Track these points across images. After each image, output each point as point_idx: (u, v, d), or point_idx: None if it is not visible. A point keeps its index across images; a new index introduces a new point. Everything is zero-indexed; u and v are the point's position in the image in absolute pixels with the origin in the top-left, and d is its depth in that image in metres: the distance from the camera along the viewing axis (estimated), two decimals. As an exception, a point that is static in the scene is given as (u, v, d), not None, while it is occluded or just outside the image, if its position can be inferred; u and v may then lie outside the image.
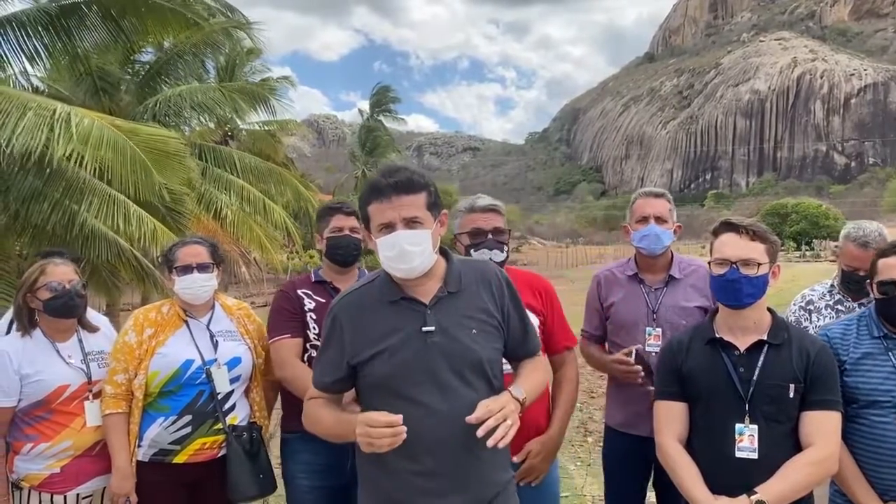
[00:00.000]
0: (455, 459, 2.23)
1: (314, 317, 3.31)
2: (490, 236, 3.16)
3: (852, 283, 3.44)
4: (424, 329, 2.27)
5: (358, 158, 68.05)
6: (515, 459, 2.93)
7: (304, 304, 3.35)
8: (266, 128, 23.28)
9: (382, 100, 70.82)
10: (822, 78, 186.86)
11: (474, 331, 2.33)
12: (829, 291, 3.61)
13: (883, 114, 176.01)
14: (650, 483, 3.48)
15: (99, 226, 9.08)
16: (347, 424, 2.23)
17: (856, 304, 3.45)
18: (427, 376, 2.24)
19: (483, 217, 3.19)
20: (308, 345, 3.31)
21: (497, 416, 2.12)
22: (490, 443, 2.09)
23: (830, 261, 44.66)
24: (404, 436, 2.10)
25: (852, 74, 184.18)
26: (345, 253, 3.39)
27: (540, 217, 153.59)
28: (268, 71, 24.81)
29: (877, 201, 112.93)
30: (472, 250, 3.16)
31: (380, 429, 2.10)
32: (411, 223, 2.24)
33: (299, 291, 3.39)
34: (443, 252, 2.41)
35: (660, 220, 3.45)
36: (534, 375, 2.50)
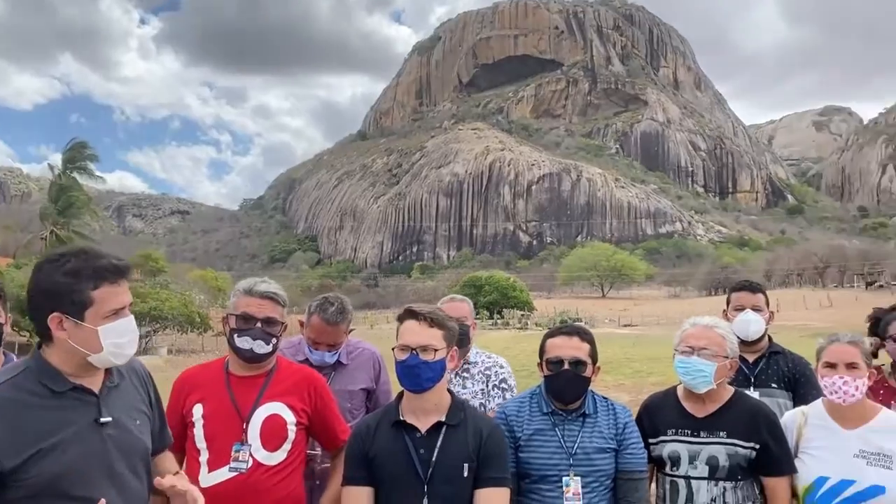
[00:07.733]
0: None
1: None
2: (259, 325, 2.89)
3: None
4: (102, 420, 2.14)
5: (48, 217, 60.76)
6: None
7: None
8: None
9: (77, 156, 64.62)
10: (509, 166, 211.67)
11: (138, 421, 2.29)
12: None
13: (557, 200, 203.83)
14: None
15: None
16: None
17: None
18: (103, 472, 2.10)
19: (258, 303, 2.91)
20: None
21: None
22: None
23: (517, 328, 50.22)
24: None
25: (533, 164, 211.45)
26: None
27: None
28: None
29: (554, 275, 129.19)
30: (235, 335, 2.90)
31: None
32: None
33: None
34: None
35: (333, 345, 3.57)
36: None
